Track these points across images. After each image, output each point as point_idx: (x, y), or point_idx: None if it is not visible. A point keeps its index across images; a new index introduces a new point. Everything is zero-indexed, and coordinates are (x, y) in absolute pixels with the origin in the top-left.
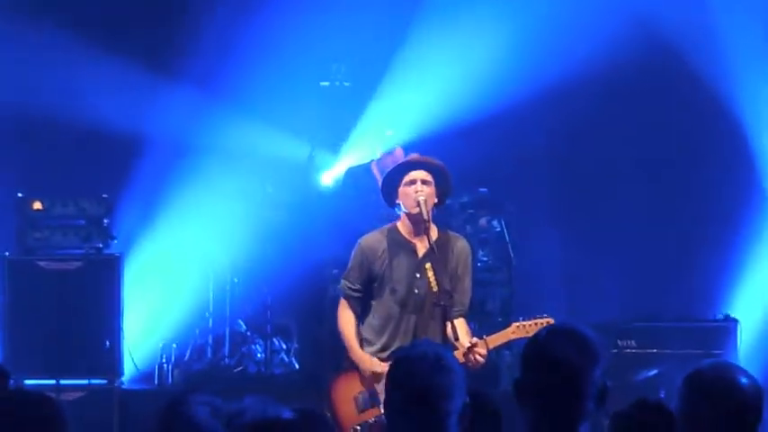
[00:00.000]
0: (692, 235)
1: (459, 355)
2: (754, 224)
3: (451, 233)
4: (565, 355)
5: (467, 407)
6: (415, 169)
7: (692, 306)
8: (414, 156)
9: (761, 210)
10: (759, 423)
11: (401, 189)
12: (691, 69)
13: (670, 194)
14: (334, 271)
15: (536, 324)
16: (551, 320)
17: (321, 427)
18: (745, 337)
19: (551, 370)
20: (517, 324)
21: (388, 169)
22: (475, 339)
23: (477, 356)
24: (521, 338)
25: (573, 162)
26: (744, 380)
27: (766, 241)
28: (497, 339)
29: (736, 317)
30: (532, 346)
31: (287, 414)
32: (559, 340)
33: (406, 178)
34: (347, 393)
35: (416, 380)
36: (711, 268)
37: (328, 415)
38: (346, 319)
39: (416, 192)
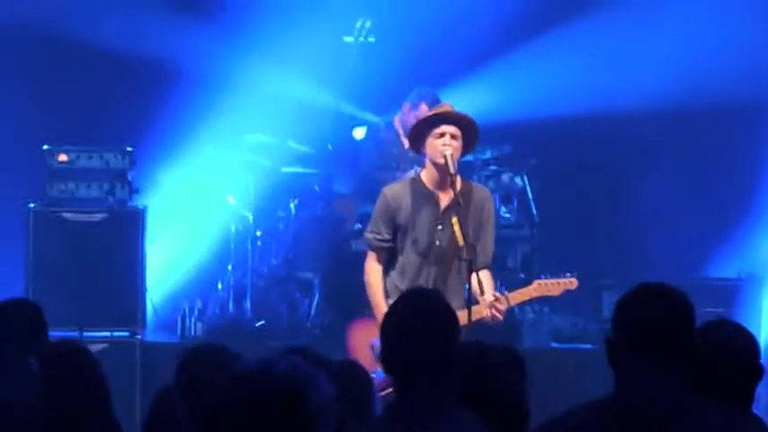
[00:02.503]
0: (715, 194)
1: (481, 309)
2: None
3: (475, 184)
4: (662, 313)
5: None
6: (446, 123)
7: (714, 265)
8: (446, 107)
9: None
10: (761, 377)
11: (429, 140)
12: None
13: (694, 150)
14: (357, 225)
15: (559, 284)
16: (574, 280)
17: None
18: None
19: (648, 326)
20: (539, 282)
21: (412, 125)
22: (497, 294)
23: (496, 312)
24: (542, 296)
25: (597, 118)
26: (743, 336)
27: None
28: (519, 296)
29: (758, 274)
30: (628, 304)
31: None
32: (657, 298)
33: (436, 130)
34: (364, 339)
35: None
36: (732, 227)
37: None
38: (373, 271)
39: (444, 145)
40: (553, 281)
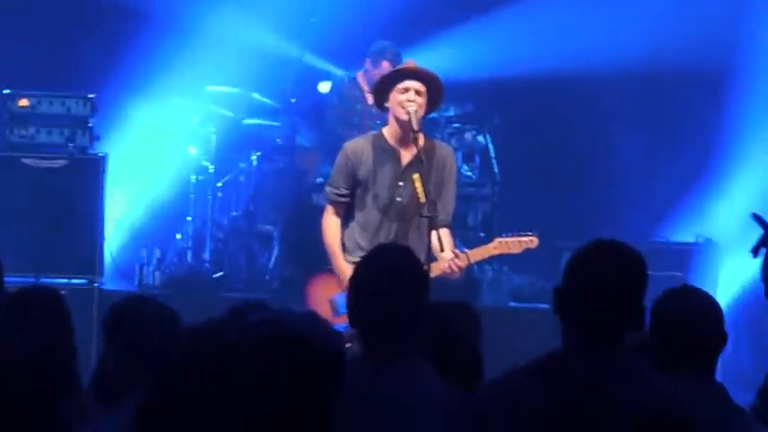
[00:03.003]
0: (675, 158)
1: (440, 265)
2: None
3: (437, 142)
4: (613, 271)
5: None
6: (411, 78)
7: (673, 228)
8: (411, 64)
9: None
10: (723, 344)
11: (393, 95)
12: None
13: (655, 114)
14: (318, 179)
15: (519, 242)
16: (535, 238)
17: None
18: (724, 260)
19: (596, 284)
20: (500, 240)
21: (376, 80)
22: (457, 251)
23: (455, 268)
24: (502, 254)
25: (559, 79)
26: (708, 302)
27: (741, 164)
28: (479, 254)
29: (715, 240)
30: (579, 259)
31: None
32: (608, 256)
33: (401, 86)
34: (323, 294)
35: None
36: (691, 191)
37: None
38: (331, 225)
39: (408, 101)
40: (513, 239)
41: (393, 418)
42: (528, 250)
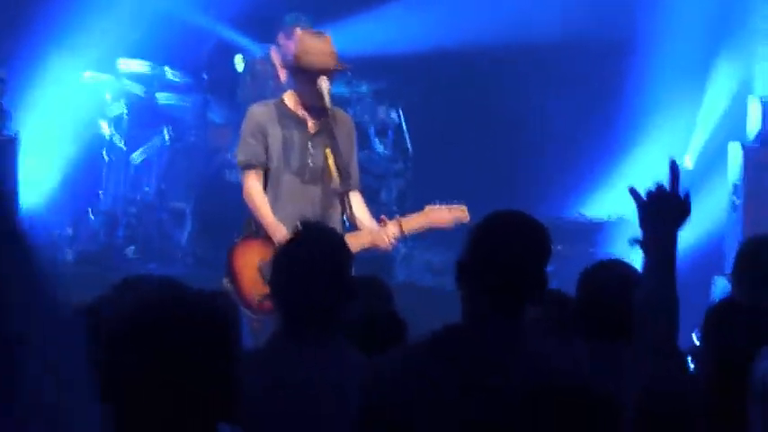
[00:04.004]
0: (589, 134)
1: (364, 235)
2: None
3: (336, 109)
4: (514, 241)
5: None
6: (331, 74)
7: (586, 205)
8: (326, 41)
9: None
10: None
11: (309, 82)
12: None
13: (571, 86)
14: (230, 156)
15: (450, 210)
16: (465, 209)
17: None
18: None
19: (498, 254)
20: (431, 207)
21: (290, 55)
22: (385, 218)
23: (391, 239)
24: (435, 227)
25: (472, 52)
26: (634, 274)
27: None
28: (413, 223)
29: (627, 217)
30: (481, 230)
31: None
32: (510, 226)
33: (319, 79)
34: (251, 260)
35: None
36: (605, 167)
37: (228, 284)
38: (255, 191)
39: (322, 86)
40: (444, 206)
41: (318, 398)
42: (457, 195)
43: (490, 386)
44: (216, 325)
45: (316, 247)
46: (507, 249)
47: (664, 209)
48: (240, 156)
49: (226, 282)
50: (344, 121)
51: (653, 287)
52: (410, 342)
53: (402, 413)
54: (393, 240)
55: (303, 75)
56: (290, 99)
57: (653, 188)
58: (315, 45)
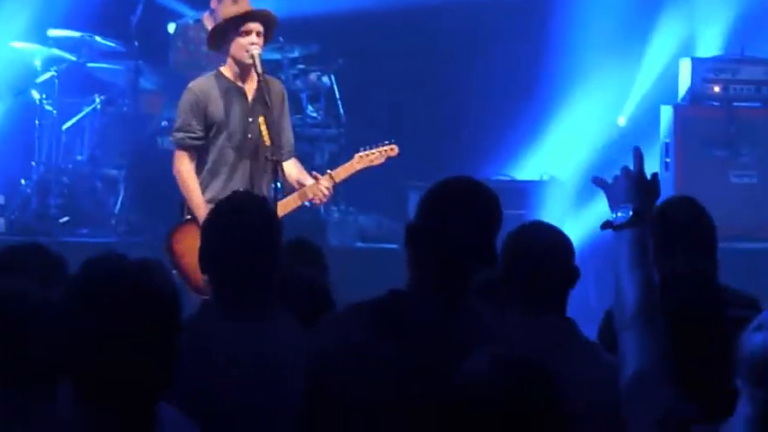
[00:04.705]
0: (521, 95)
1: (306, 191)
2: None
3: (268, 77)
4: (471, 208)
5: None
6: (253, 21)
7: (518, 166)
8: (246, 5)
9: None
10: (576, 278)
11: (235, 39)
12: None
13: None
14: (163, 123)
15: (380, 152)
16: (395, 146)
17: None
18: (571, 197)
19: (455, 221)
20: (360, 154)
21: (212, 25)
22: (317, 174)
23: (324, 190)
24: (366, 168)
25: (404, 13)
26: (559, 238)
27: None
28: (344, 172)
29: (560, 178)
30: (436, 195)
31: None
32: (466, 193)
33: (242, 29)
34: (192, 244)
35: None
36: (537, 128)
37: (173, 269)
38: (187, 172)
39: (251, 44)
40: (374, 150)
41: (256, 372)
42: (390, 159)
43: (435, 353)
44: (160, 293)
45: (246, 216)
46: (460, 218)
47: (632, 191)
48: (176, 133)
49: (170, 268)
50: (278, 89)
51: (629, 267)
52: (342, 307)
53: (346, 390)
54: (327, 192)
55: (231, 31)
56: (227, 70)
57: (619, 173)
58: (232, 4)
